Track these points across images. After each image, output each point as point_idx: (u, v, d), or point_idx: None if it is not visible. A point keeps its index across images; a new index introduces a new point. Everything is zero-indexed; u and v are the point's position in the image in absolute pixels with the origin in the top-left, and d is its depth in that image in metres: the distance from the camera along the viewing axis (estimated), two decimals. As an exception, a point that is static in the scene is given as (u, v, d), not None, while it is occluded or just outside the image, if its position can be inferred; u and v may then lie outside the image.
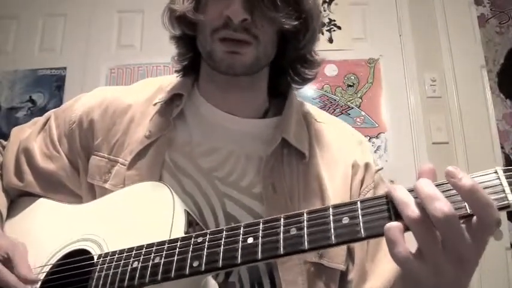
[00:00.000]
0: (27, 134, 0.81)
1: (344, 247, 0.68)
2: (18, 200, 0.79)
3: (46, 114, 0.84)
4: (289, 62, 0.73)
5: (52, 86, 2.30)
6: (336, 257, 0.67)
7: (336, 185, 0.70)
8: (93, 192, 0.72)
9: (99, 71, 2.28)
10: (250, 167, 0.69)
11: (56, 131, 0.79)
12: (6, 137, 0.85)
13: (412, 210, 0.41)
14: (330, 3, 2.31)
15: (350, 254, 0.69)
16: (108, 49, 2.33)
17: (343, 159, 0.73)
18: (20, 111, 2.29)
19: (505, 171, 0.42)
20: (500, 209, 0.40)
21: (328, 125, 0.78)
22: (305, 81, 0.75)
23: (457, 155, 2.07)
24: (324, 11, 2.30)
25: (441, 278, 0.42)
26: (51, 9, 2.41)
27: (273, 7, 0.62)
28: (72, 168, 0.76)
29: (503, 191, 0.41)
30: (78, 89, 2.24)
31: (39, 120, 0.83)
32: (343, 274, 0.69)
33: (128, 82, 2.26)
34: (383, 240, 0.69)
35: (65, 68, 2.31)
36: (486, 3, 2.26)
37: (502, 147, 2.08)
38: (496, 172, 0.42)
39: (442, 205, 0.40)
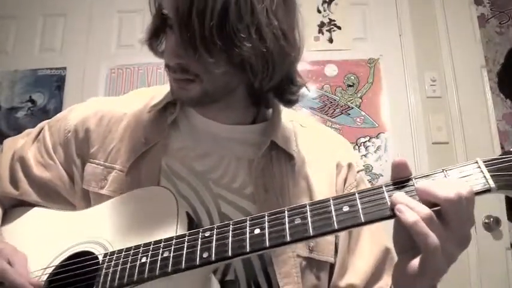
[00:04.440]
0: (21, 144, 0.82)
1: (332, 241, 0.72)
2: (12, 210, 0.79)
3: (39, 125, 0.85)
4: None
5: (52, 86, 2.29)
6: (325, 251, 0.71)
7: (322, 184, 0.74)
8: (88, 200, 0.74)
9: (99, 71, 2.27)
10: (241, 169, 0.73)
11: (50, 140, 0.79)
12: (6, 137, 0.85)
13: (422, 208, 0.47)
14: (330, 3, 2.31)
15: (336, 249, 0.73)
16: (108, 49, 2.33)
17: (327, 160, 0.77)
18: (20, 111, 2.29)
19: (484, 161, 0.49)
20: (483, 192, 0.48)
21: (312, 129, 0.83)
22: (289, 103, 0.73)
23: (457, 155, 2.07)
24: (324, 11, 2.30)
25: (450, 262, 0.49)
26: (51, 9, 2.41)
27: (207, 53, 0.59)
28: (67, 176, 0.77)
29: (485, 177, 0.48)
30: (78, 89, 2.25)
31: (33, 131, 0.84)
32: (332, 267, 0.73)
33: (128, 82, 2.26)
34: (363, 235, 0.75)
35: (65, 68, 2.31)
36: (486, 3, 2.26)
37: (502, 147, 2.08)
38: (476, 162, 0.50)
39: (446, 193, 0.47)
